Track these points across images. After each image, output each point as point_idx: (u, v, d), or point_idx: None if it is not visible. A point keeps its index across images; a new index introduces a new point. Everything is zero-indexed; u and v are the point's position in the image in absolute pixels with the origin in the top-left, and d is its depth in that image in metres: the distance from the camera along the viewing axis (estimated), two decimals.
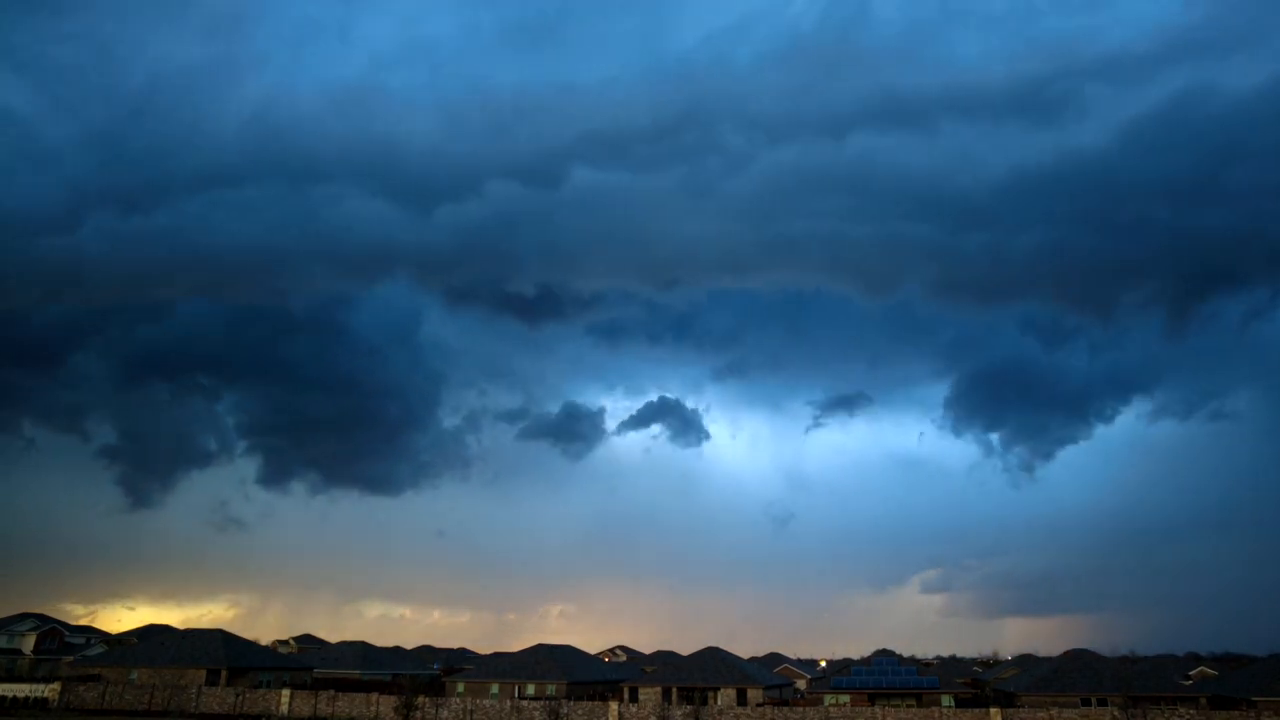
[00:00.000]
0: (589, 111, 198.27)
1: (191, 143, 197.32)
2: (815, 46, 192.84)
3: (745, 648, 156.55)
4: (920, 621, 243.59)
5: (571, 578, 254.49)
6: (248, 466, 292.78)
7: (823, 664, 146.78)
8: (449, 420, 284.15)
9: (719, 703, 65.93)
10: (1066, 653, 79.38)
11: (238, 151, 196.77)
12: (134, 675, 69.55)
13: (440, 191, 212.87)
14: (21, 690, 65.83)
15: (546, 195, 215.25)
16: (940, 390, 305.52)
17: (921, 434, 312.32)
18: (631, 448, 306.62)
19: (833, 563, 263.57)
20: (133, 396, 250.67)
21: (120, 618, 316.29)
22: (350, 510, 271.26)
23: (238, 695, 62.53)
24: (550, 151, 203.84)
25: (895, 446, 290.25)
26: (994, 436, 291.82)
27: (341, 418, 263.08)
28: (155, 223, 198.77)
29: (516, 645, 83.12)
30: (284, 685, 69.84)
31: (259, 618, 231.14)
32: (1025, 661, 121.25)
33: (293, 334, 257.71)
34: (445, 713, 59.70)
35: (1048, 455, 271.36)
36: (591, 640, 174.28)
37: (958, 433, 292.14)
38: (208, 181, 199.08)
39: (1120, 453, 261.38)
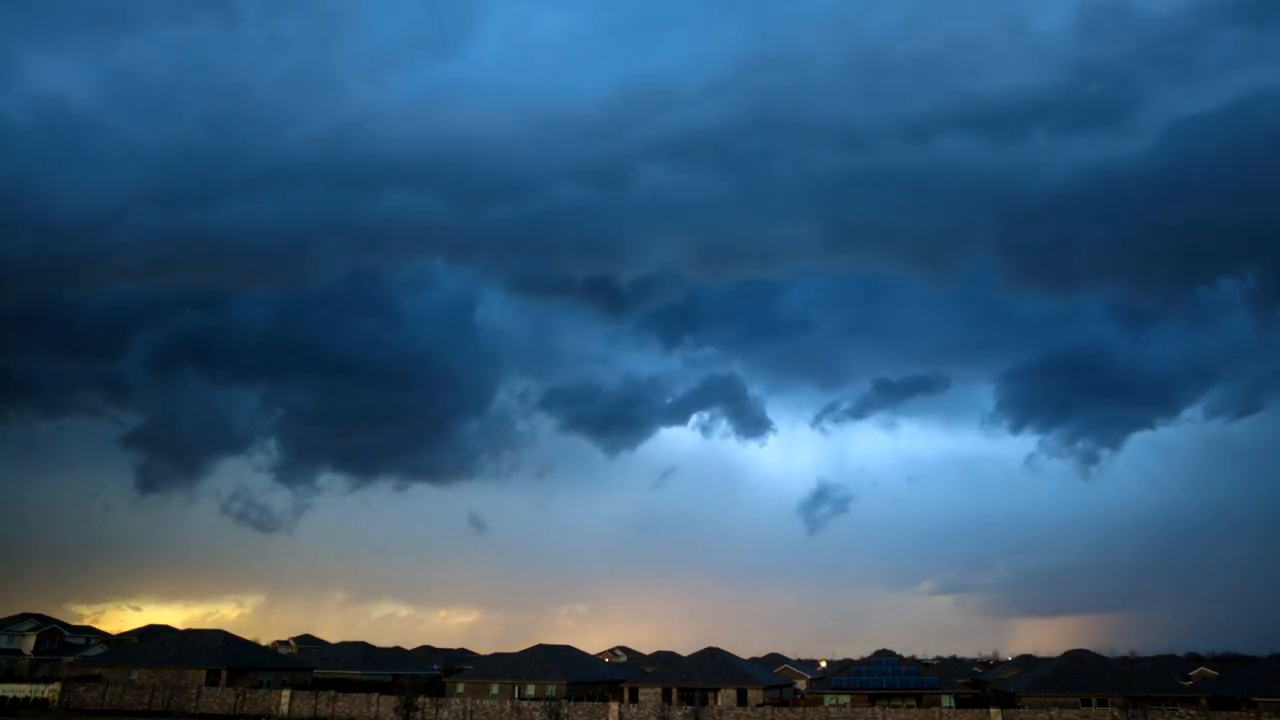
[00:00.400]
0: (657, 106, 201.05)
1: (263, 147, 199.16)
2: (887, 52, 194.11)
3: (753, 648, 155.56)
4: (933, 623, 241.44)
5: (605, 576, 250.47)
6: (271, 460, 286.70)
7: (823, 664, 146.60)
8: (496, 405, 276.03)
9: (719, 703, 65.93)
10: (1067, 653, 79.25)
11: (307, 151, 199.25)
12: (134, 676, 69.53)
13: (503, 183, 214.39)
14: (21, 691, 65.81)
15: (608, 188, 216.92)
16: (998, 383, 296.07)
17: (982, 418, 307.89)
18: (679, 440, 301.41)
19: (873, 560, 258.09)
20: (163, 387, 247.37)
21: (124, 618, 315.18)
22: (382, 504, 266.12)
23: (238, 695, 62.52)
24: (618, 147, 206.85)
25: (948, 442, 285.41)
26: (1054, 432, 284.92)
27: (379, 408, 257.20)
28: (209, 217, 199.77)
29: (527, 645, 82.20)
30: (284, 685, 69.84)
31: (265, 618, 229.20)
32: (1026, 662, 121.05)
33: (335, 324, 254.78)
34: (445, 713, 59.71)
35: (1115, 445, 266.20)
36: (606, 641, 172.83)
37: (1015, 430, 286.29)
38: (270, 180, 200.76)
39: (1181, 448, 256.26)
